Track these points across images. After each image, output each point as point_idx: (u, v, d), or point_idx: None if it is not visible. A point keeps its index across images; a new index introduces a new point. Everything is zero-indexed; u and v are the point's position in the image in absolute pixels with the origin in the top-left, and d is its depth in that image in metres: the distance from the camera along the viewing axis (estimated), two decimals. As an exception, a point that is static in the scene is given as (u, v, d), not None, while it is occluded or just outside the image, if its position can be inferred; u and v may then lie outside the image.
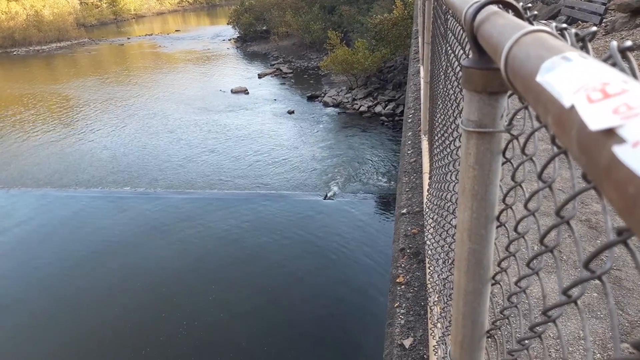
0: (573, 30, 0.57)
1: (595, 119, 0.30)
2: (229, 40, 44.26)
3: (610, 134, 0.28)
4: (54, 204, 13.86)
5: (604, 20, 9.18)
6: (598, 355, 2.24)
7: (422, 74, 6.80)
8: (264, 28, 40.86)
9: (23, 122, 22.49)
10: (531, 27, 0.57)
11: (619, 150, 0.27)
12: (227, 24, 46.55)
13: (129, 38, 53.00)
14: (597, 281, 0.44)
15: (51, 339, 8.48)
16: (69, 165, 16.76)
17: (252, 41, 40.85)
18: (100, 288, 9.75)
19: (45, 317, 9.03)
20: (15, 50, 49.22)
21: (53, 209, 13.53)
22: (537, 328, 0.67)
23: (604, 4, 9.09)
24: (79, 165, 16.65)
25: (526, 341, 0.77)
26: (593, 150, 0.30)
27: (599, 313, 2.52)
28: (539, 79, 0.44)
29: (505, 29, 0.64)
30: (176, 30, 57.06)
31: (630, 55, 0.42)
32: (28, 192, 14.74)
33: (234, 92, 25.21)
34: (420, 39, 8.64)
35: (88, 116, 22.85)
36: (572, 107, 0.34)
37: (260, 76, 28.77)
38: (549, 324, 0.63)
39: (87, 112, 23.60)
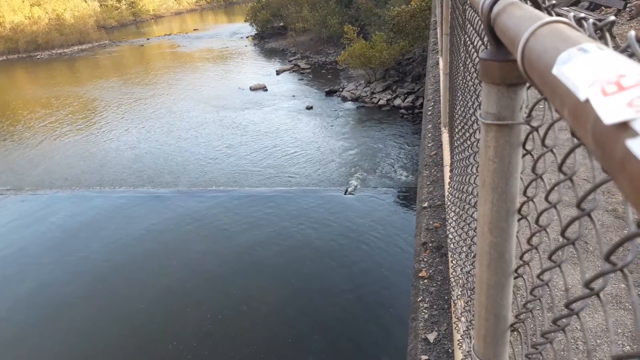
0: (591, 20, 0.56)
1: (609, 113, 0.30)
2: (247, 37, 44.45)
3: (625, 128, 0.28)
4: (81, 204, 14.16)
5: (629, 4, 8.91)
6: (627, 347, 2.20)
7: (441, 65, 6.73)
8: (281, 24, 40.91)
9: (49, 124, 23.02)
10: (548, 18, 0.56)
11: (632, 144, 0.27)
12: (245, 21, 46.74)
13: (148, 38, 53.68)
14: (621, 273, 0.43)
15: (87, 333, 8.71)
16: (94, 165, 17.11)
17: (269, 38, 40.95)
18: (130, 285, 9.95)
19: (77, 315, 9.27)
20: (39, 54, 50.31)
21: (80, 209, 13.83)
22: (561, 321, 0.67)
23: (628, -13, 8.83)
24: (104, 165, 16.99)
25: (550, 334, 0.76)
26: (607, 143, 0.30)
27: (627, 304, 2.47)
28: (555, 71, 0.44)
29: (521, 20, 0.64)
30: (194, 30, 57.56)
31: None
32: (56, 194, 15.09)
33: (252, 89, 25.33)
34: (438, 30, 8.54)
35: (111, 116, 23.26)
36: (587, 101, 0.34)
37: (278, 72, 28.85)
38: (573, 316, 0.62)
39: (110, 112, 24.03)
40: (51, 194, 15.05)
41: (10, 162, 18.33)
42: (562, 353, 2.14)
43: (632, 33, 0.42)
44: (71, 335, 8.77)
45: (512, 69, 0.79)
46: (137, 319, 8.96)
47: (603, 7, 9.63)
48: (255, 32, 43.93)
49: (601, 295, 0.50)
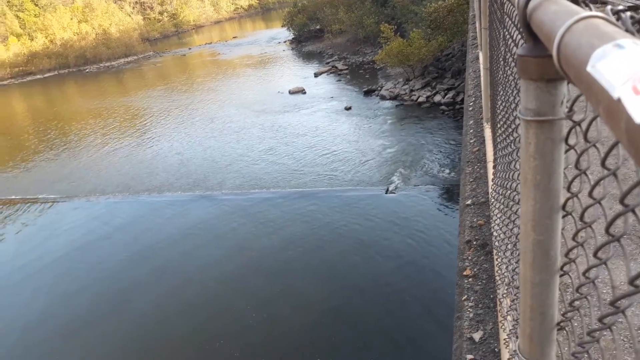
0: (629, 13, 0.55)
1: (640, 111, 0.30)
2: (284, 42, 44.96)
3: (656, 126, 0.29)
4: (130, 209, 14.71)
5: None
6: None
7: (481, 60, 6.58)
8: (318, 27, 41.13)
9: (99, 133, 24.06)
10: (583, 14, 0.56)
11: (663, 142, 0.27)
12: (282, 26, 47.30)
13: (190, 48, 55.18)
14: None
15: (130, 334, 9.05)
16: (143, 171, 17.75)
17: (306, 41, 41.25)
18: (178, 288, 10.26)
19: (117, 317, 9.63)
20: (88, 68, 52.65)
21: (127, 214, 14.37)
22: (607, 320, 0.66)
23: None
24: (152, 171, 17.59)
25: (596, 333, 0.74)
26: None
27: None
28: (590, 68, 0.44)
29: (557, 15, 0.63)
30: (233, 37, 58.75)
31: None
32: (108, 199, 15.74)
33: (291, 92, 25.57)
34: (477, 25, 8.36)
35: (157, 124, 24.06)
36: (619, 99, 0.34)
37: (316, 75, 28.99)
38: (619, 315, 0.61)
39: (156, 120, 24.86)
40: (103, 200, 15.70)
41: (64, 171, 19.26)
42: (611, 352, 2.06)
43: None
44: (122, 332, 9.12)
45: (550, 64, 0.78)
46: (182, 320, 9.22)
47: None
48: (293, 37, 44.36)
49: (647, 292, 0.49)
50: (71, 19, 61.09)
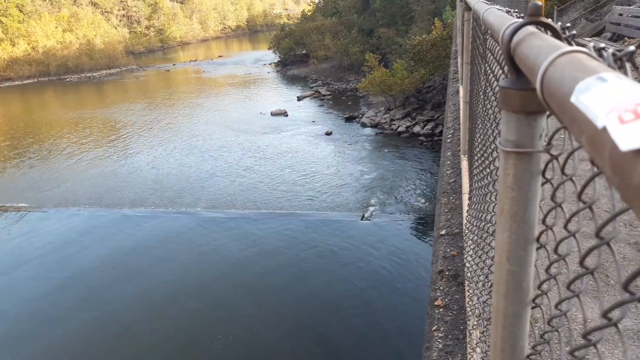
0: (611, 50, 0.57)
1: (626, 140, 0.31)
2: (270, 64, 45.33)
3: (641, 154, 0.29)
4: (100, 222, 14.36)
5: (653, 36, 8.86)
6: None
7: (461, 93, 6.74)
8: (304, 52, 41.67)
9: (75, 144, 23.60)
10: (567, 48, 0.57)
11: (648, 170, 0.27)
12: (268, 48, 47.76)
13: (174, 64, 55.10)
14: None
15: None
16: (117, 184, 17.42)
17: (291, 65, 41.69)
18: (143, 303, 9.98)
19: (84, 331, 9.30)
20: (69, 77, 51.98)
21: (99, 227, 14.02)
22: (578, 353, 0.65)
23: (652, 19, 8.79)
24: (126, 185, 17.27)
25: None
26: (625, 171, 0.30)
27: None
28: (574, 99, 0.44)
29: (541, 50, 0.65)
30: (219, 56, 58.96)
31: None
32: (78, 212, 15.34)
33: (273, 114, 25.67)
34: (459, 59, 8.58)
35: (135, 138, 23.76)
36: (604, 128, 0.34)
37: (299, 98, 29.23)
38: (591, 348, 0.61)
39: (134, 134, 24.56)
40: (74, 212, 15.31)
41: (34, 180, 18.76)
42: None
43: (651, 63, 0.43)
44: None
45: (531, 97, 0.80)
46: (155, 342, 8.95)
47: (626, 38, 9.58)
48: (278, 59, 44.80)
49: (620, 326, 0.49)
50: (56, 27, 60.51)
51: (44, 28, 58.99)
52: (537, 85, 0.59)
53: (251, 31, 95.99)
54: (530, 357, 0.96)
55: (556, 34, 0.77)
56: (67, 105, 35.32)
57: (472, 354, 2.28)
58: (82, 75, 52.58)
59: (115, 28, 70.85)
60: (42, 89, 45.90)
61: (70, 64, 54.26)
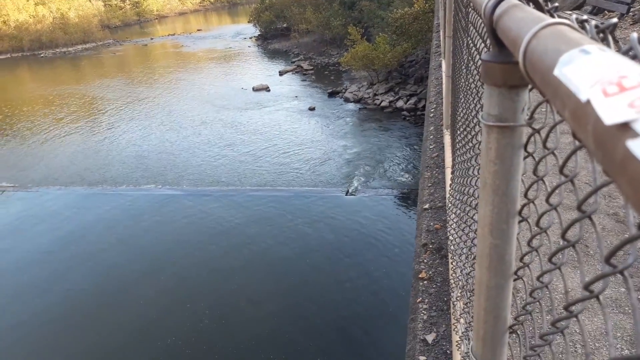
0: (593, 22, 0.56)
1: (610, 113, 0.30)
2: (250, 38, 44.55)
3: (626, 129, 0.28)
4: (82, 201, 14.18)
5: (632, 9, 8.90)
6: (626, 351, 2.19)
7: (443, 67, 6.73)
8: (285, 25, 41.00)
9: (52, 122, 23.07)
10: (550, 20, 0.56)
11: (633, 145, 0.27)
12: (248, 22, 46.85)
13: (152, 38, 53.81)
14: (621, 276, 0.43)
15: (71, 334, 8.72)
16: (97, 162, 17.16)
17: (272, 39, 41.03)
18: (127, 281, 9.96)
19: (61, 311, 9.27)
20: (43, 53, 50.47)
21: (81, 206, 13.85)
22: (560, 323, 0.67)
23: (632, -8, 8.80)
24: (107, 163, 17.03)
25: (549, 337, 0.76)
26: (608, 144, 0.30)
27: (626, 308, 2.46)
28: (557, 72, 0.44)
29: (523, 22, 0.64)
30: (198, 30, 57.70)
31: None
32: (57, 190, 15.11)
33: (255, 89, 25.36)
34: (441, 33, 8.54)
35: (114, 115, 23.31)
36: (588, 101, 0.34)
37: (281, 73, 28.87)
38: (572, 319, 0.62)
39: (113, 111, 24.09)
40: (53, 191, 15.08)
41: (12, 159, 18.37)
42: (560, 356, 2.13)
43: (635, 35, 0.42)
44: (62, 331, 8.78)
45: (513, 70, 0.79)
46: (133, 316, 8.97)
47: (606, 12, 9.61)
48: (259, 33, 44.03)
49: (601, 298, 0.49)
50: (27, 0, 58.36)
51: (15, 1, 56.86)
52: (520, 58, 0.58)
53: (230, 4, 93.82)
54: (513, 327, 0.98)
55: (538, 6, 0.76)
56: (43, 81, 34.36)
57: (456, 324, 2.33)
58: (57, 50, 51.08)
59: (90, 1, 68.56)
60: (15, 64, 44.53)
61: (44, 38, 52.63)
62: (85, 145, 19.29)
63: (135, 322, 8.84)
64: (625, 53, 0.41)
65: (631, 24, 8.44)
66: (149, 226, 12.32)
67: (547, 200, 0.76)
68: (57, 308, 9.44)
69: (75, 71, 38.59)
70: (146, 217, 12.79)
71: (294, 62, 31.63)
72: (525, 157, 0.89)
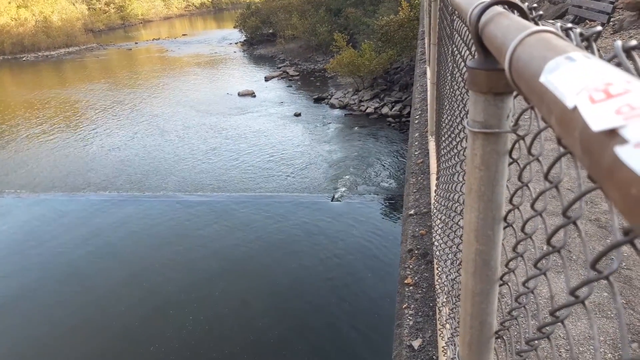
0: (578, 30, 0.57)
1: (597, 120, 0.30)
2: (236, 43, 44.45)
3: (613, 135, 0.29)
4: (63, 207, 13.96)
5: (612, 19, 9.11)
6: (609, 355, 2.22)
7: (428, 75, 6.79)
8: (271, 31, 41.00)
9: (33, 126, 22.70)
10: (535, 28, 0.57)
11: (621, 151, 0.27)
12: (234, 27, 46.74)
13: (136, 43, 53.36)
14: (607, 282, 0.43)
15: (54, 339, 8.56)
16: (79, 168, 16.91)
17: (258, 44, 41.00)
18: (111, 287, 9.81)
19: (48, 317, 9.10)
20: (25, 56, 49.68)
21: (63, 212, 13.63)
22: (546, 329, 0.67)
23: (611, 2, 9.02)
24: (89, 168, 16.80)
25: (535, 342, 0.76)
26: (595, 151, 0.30)
27: (609, 312, 2.50)
28: (543, 79, 0.44)
29: (509, 29, 0.64)
30: (183, 35, 57.37)
31: (635, 54, 0.42)
32: (37, 196, 14.87)
33: (240, 95, 25.29)
34: (426, 40, 8.62)
35: (97, 120, 23.03)
36: (575, 108, 0.34)
37: (267, 79, 28.85)
38: (558, 324, 0.62)
39: (96, 116, 23.79)
40: (34, 197, 14.82)
41: (-8, 165, 18.03)
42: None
43: (619, 43, 0.43)
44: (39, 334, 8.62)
45: (499, 77, 0.80)
46: (118, 321, 8.83)
47: (587, 21, 9.82)
48: (245, 39, 43.95)
49: (586, 303, 0.50)
50: (9, 2, 57.45)
51: (-4, 4, 56.00)
52: (506, 65, 0.59)
53: (216, 9, 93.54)
54: (499, 333, 0.98)
55: (524, 15, 0.77)
56: (25, 85, 33.82)
57: (442, 330, 2.34)
58: (40, 54, 50.31)
59: (73, 4, 67.71)
60: (-4, 68, 43.80)
61: (26, 42, 51.76)
62: (68, 150, 19.01)
63: (117, 329, 8.69)
64: (609, 61, 0.42)
65: (611, 33, 8.63)
66: (132, 231, 12.16)
67: (532, 207, 0.76)
68: (35, 317, 9.24)
69: (58, 75, 38.07)
70: (129, 223, 12.63)
71: (279, 67, 31.63)
72: (510, 164, 0.90)
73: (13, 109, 26.60)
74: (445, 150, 2.68)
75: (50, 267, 10.88)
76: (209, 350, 8.09)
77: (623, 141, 0.27)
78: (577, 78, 0.38)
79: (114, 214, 13.30)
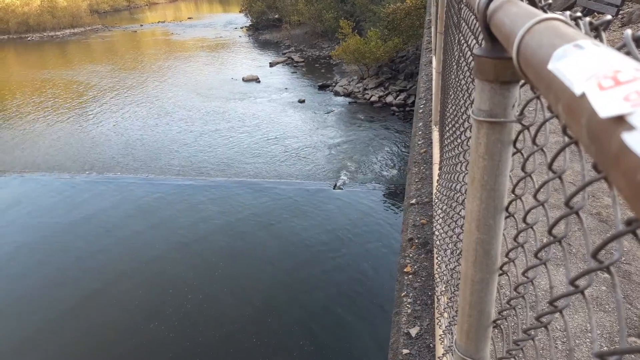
0: (587, 19, 0.56)
1: (605, 106, 0.30)
2: (241, 28, 44.15)
3: (620, 122, 0.28)
4: (66, 188, 14.01)
5: (621, 11, 9.00)
6: (605, 348, 2.23)
7: (434, 64, 6.74)
8: (276, 16, 40.67)
9: (37, 107, 22.70)
10: (544, 15, 0.56)
11: (628, 138, 0.27)
12: (240, 12, 46.38)
13: (141, 25, 53.07)
14: (605, 275, 0.43)
15: (53, 325, 8.64)
16: (83, 149, 16.94)
17: (264, 29, 40.71)
18: (113, 269, 9.88)
19: (37, 303, 9.18)
20: (30, 36, 49.48)
21: (64, 193, 13.68)
22: (544, 318, 0.67)
23: (621, -6, 8.90)
24: (93, 149, 16.82)
25: (532, 331, 0.77)
26: (603, 138, 0.30)
27: (607, 306, 2.50)
28: (551, 66, 0.44)
29: (518, 17, 0.64)
30: (189, 18, 57.01)
31: (645, 44, 0.41)
32: (40, 176, 14.91)
33: (245, 80, 25.19)
34: (433, 29, 8.55)
35: (101, 102, 22.99)
36: (583, 95, 0.34)
37: (271, 64, 28.70)
38: (556, 314, 0.63)
39: (100, 98, 23.75)
40: (38, 177, 14.87)
41: (-5, 144, 18.07)
42: (541, 352, 2.17)
43: (629, 32, 0.42)
44: (40, 320, 8.70)
45: (506, 66, 0.79)
46: (119, 304, 8.91)
47: (596, 13, 9.70)
48: (250, 24, 43.63)
49: (586, 293, 0.50)
50: (14, -19, 57.12)
51: (1, -17, 55.63)
52: (514, 53, 0.58)
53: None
54: (497, 322, 0.99)
55: (532, 2, 0.76)
56: (29, 65, 33.74)
57: (439, 318, 2.35)
58: (45, 34, 50.09)
59: (79, -15, 67.32)
60: (1, 47, 43.65)
61: (31, 21, 51.51)
62: (71, 131, 19.02)
63: (116, 315, 8.77)
64: (619, 49, 0.41)
65: (620, 27, 8.54)
66: (132, 215, 12.21)
67: (534, 197, 0.76)
68: (32, 300, 9.32)
69: (63, 56, 37.93)
70: (130, 206, 12.67)
71: (284, 53, 31.44)
72: (514, 154, 0.90)
73: (18, 89, 26.58)
74: (448, 140, 2.67)
75: (53, 246, 10.94)
76: (207, 328, 8.18)
77: (630, 128, 0.27)
78: (586, 65, 0.38)
79: (115, 195, 13.33)
